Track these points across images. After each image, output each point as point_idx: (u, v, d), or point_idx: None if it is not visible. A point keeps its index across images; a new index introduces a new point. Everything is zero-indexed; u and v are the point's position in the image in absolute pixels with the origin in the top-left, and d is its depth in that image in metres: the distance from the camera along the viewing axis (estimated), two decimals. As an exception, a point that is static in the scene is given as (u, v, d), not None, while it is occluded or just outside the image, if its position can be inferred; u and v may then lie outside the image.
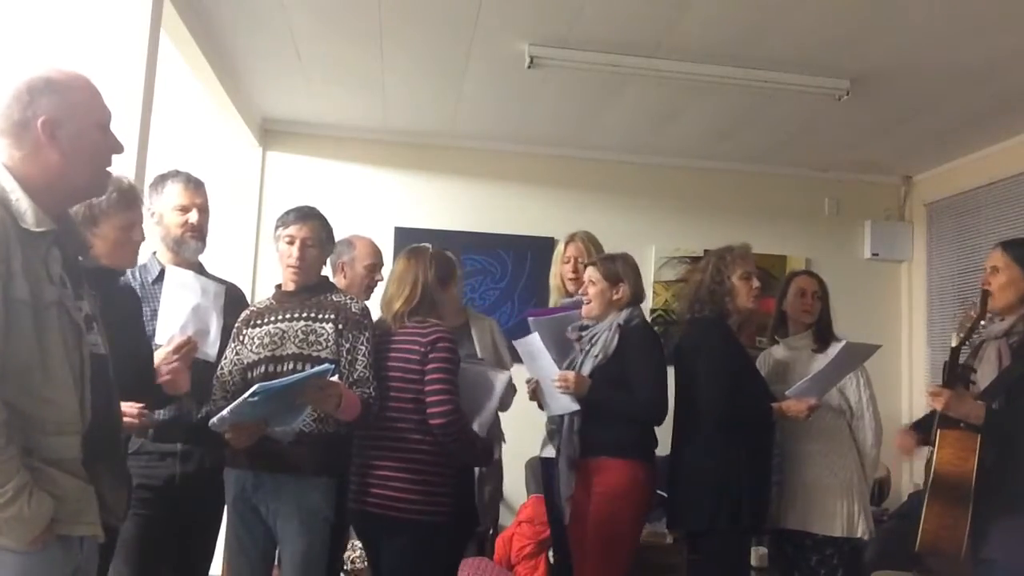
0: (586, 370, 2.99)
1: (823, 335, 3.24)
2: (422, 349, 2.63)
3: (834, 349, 3.07)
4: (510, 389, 3.27)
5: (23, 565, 1.52)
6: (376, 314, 2.86)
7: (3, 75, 1.67)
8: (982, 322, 2.77)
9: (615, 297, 3.03)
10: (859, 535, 3.09)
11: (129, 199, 2.30)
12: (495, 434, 3.29)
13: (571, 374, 2.96)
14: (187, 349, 2.42)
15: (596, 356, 2.98)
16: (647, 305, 3.94)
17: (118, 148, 1.76)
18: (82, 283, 1.75)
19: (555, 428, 3.16)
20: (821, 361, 3.10)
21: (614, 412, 2.96)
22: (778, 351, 3.36)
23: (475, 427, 2.76)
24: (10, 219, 1.56)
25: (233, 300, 2.82)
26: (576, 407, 2.96)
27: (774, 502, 3.07)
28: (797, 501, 3.08)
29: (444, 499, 2.63)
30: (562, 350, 3.16)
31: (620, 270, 3.06)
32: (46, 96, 1.63)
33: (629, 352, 2.94)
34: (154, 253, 2.81)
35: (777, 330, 3.38)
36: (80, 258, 1.81)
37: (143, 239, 2.43)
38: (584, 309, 3.10)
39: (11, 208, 1.58)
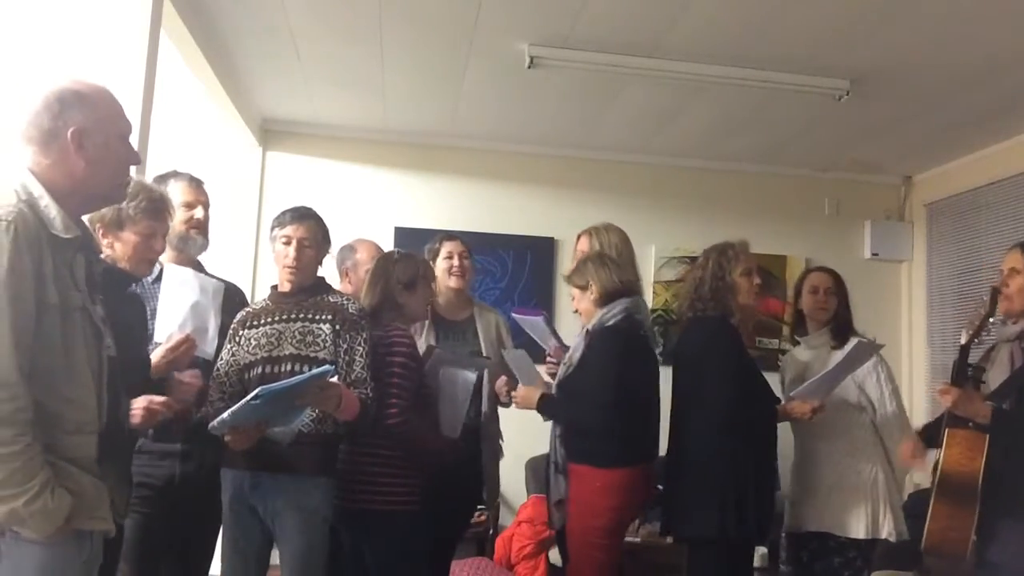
0: (556, 382, 3.03)
1: (841, 331, 3.15)
2: (380, 351, 2.69)
3: (850, 346, 2.99)
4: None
5: (44, 556, 1.62)
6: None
7: (7, 78, 1.72)
8: (991, 320, 2.71)
9: (593, 298, 2.98)
10: (884, 536, 2.98)
11: (157, 208, 2.36)
12: (493, 434, 3.28)
13: (523, 390, 3.01)
14: (186, 347, 2.43)
15: (566, 366, 2.98)
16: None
17: (135, 159, 1.87)
18: (96, 288, 1.82)
19: None
20: (839, 358, 2.99)
21: (568, 424, 2.95)
22: (800, 352, 3.28)
23: (448, 429, 2.85)
24: (40, 224, 1.64)
25: (232, 299, 2.82)
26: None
27: (794, 504, 3.02)
28: (818, 502, 3.01)
29: (412, 490, 2.69)
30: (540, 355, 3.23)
31: (584, 273, 3.00)
32: (76, 108, 1.71)
33: (589, 358, 2.89)
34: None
35: (796, 330, 3.32)
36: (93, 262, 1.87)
37: (162, 250, 2.47)
38: (583, 321, 3.07)
39: (40, 213, 1.66)
